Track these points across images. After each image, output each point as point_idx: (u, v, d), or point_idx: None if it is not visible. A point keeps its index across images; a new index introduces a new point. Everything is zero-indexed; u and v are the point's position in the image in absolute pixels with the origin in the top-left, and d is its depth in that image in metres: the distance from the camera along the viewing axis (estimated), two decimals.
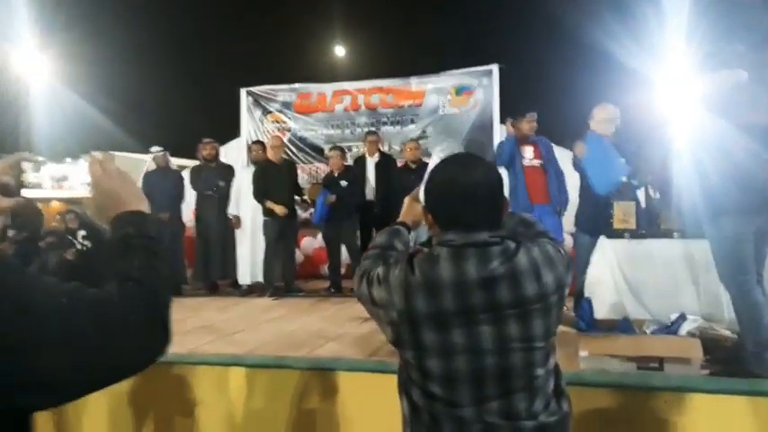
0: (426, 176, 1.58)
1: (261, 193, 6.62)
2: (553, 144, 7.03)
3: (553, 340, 1.48)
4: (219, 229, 6.95)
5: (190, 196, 7.27)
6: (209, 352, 4.03)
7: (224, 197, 6.96)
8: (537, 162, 5.29)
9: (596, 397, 2.81)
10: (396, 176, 6.61)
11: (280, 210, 6.53)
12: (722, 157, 2.93)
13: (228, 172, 7.13)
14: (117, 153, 12.91)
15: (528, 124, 5.33)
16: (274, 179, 6.62)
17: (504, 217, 1.53)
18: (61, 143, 13.27)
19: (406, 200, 1.79)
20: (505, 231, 1.49)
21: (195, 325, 5.12)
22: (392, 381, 1.62)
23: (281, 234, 6.62)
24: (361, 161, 7.01)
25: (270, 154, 6.81)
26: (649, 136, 4.76)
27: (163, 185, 6.94)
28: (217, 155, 7.20)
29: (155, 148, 7.18)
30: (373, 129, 7.72)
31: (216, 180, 6.99)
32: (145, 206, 1.12)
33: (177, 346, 4.21)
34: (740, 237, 3.01)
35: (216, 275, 7.04)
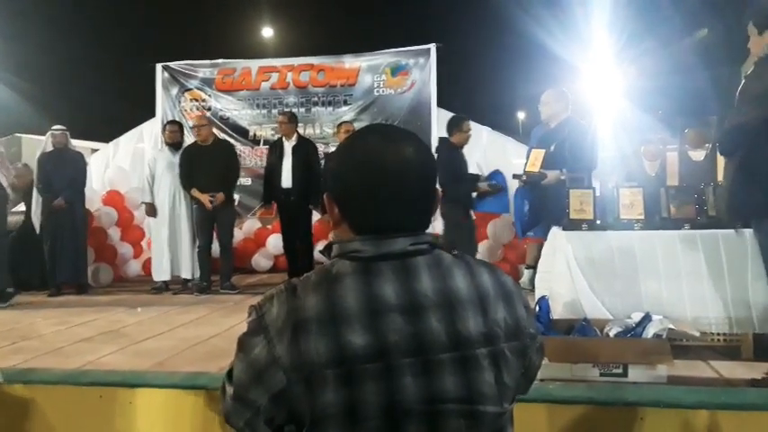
0: (333, 152, 1.13)
1: (186, 180, 6.11)
2: (486, 126, 6.84)
3: (510, 410, 1.04)
4: (69, 226, 6.22)
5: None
6: (108, 366, 3.49)
7: (75, 189, 6.26)
8: None
9: (563, 414, 2.45)
10: (317, 163, 6.22)
11: (204, 200, 6.01)
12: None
13: (78, 159, 6.44)
14: (24, 135, 11.87)
15: None
16: (203, 163, 6.06)
17: (434, 212, 1.08)
18: None
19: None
20: (432, 237, 1.04)
21: (100, 330, 4.49)
22: None
23: (212, 223, 6.15)
24: (277, 144, 6.43)
25: (198, 135, 6.30)
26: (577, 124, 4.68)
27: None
28: (67, 143, 6.43)
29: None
30: (287, 110, 7.11)
31: (65, 171, 6.25)
32: None
33: (69, 360, 3.65)
34: None
35: (64, 277, 6.26)
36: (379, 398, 0.94)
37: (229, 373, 1.04)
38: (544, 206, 4.62)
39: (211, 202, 5.99)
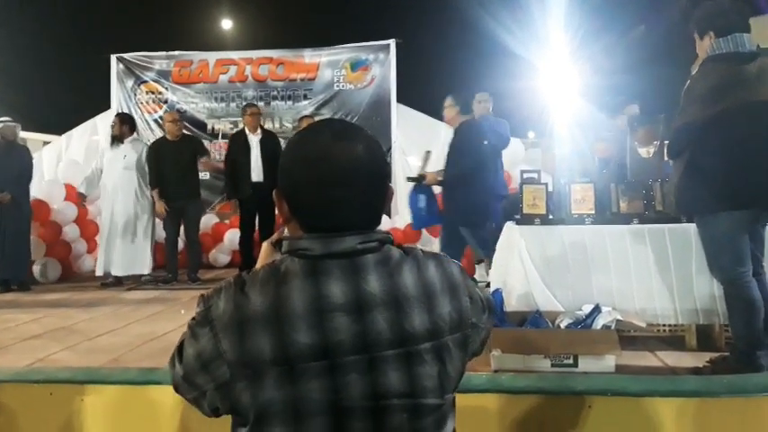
0: (284, 148, 1.12)
1: (153, 176, 6.09)
2: (443, 122, 6.94)
3: (452, 399, 1.07)
4: (14, 222, 6.05)
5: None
6: (60, 364, 3.41)
7: (21, 183, 6.11)
8: None
9: (514, 404, 2.51)
10: None
11: (160, 207, 6.07)
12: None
13: (24, 154, 6.27)
14: None
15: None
16: (171, 159, 6.07)
17: (385, 210, 1.10)
18: None
19: (264, 245, 1.26)
20: (382, 234, 1.05)
21: (50, 327, 4.38)
22: None
23: (179, 217, 6.19)
24: (240, 138, 6.32)
25: (166, 131, 6.34)
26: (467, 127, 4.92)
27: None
28: (16, 136, 6.27)
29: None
30: (252, 102, 7.02)
31: (11, 165, 6.08)
32: None
33: (18, 357, 3.56)
34: (735, 229, 2.90)
35: (7, 274, 6.09)
36: (324, 395, 0.96)
37: (180, 349, 1.05)
38: (435, 203, 5.14)
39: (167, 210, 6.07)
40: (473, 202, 4.72)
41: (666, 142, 3.22)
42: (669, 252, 3.52)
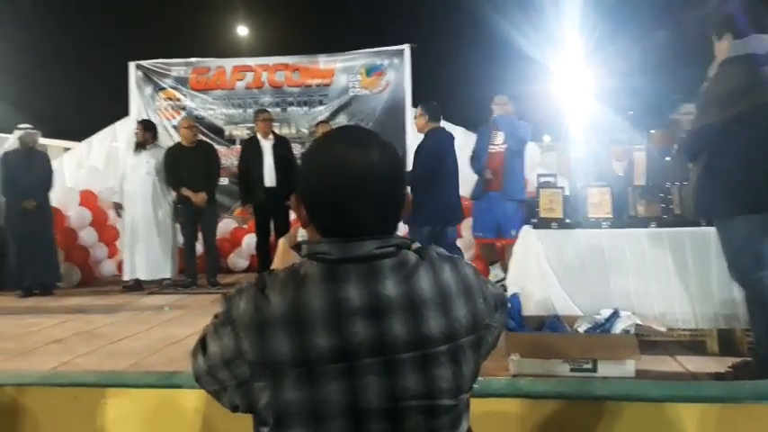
0: (303, 154, 1.14)
1: (173, 180, 6.23)
2: (460, 127, 6.93)
3: (466, 399, 1.09)
4: (38, 228, 6.16)
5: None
6: (83, 367, 3.46)
7: (42, 190, 6.21)
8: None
9: (534, 409, 2.51)
10: (295, 161, 6.22)
11: (198, 198, 6.14)
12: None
13: (45, 161, 6.41)
14: None
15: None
16: (187, 164, 6.16)
17: (403, 216, 1.11)
18: None
19: (281, 242, 1.30)
20: (399, 239, 1.07)
21: (73, 331, 4.45)
22: None
23: (195, 223, 6.30)
24: (252, 143, 6.36)
25: (181, 137, 6.45)
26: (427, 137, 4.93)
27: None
28: (35, 143, 6.41)
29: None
30: (264, 108, 7.06)
31: (33, 172, 6.20)
32: None
33: (42, 361, 3.62)
34: (754, 232, 2.86)
35: (35, 279, 6.19)
36: (343, 397, 0.98)
37: (203, 342, 1.07)
38: None
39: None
40: (429, 207, 4.63)
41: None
42: (688, 256, 3.50)
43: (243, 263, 7.43)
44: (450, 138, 5.03)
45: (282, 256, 1.27)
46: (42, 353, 3.87)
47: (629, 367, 3.03)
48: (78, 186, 7.39)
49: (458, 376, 1.03)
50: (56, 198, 6.58)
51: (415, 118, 5.25)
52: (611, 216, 3.73)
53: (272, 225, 6.21)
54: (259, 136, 6.31)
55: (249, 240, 7.16)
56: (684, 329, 3.53)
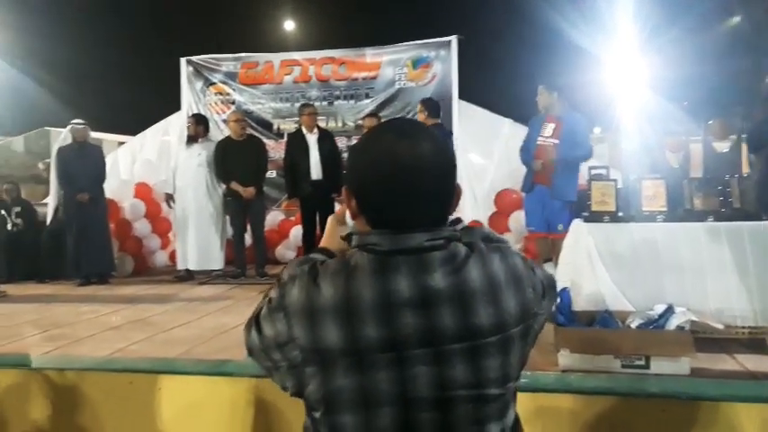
0: (352, 147, 1.14)
1: (223, 174, 6.37)
2: (508, 119, 6.80)
3: (513, 387, 1.08)
4: (94, 219, 6.38)
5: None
6: (137, 354, 3.56)
7: (96, 182, 6.43)
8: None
9: (583, 405, 2.46)
10: (340, 154, 6.27)
11: (247, 193, 6.26)
12: None
13: (98, 154, 6.65)
14: (52, 128, 12.12)
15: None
16: (236, 158, 6.27)
17: (453, 209, 1.10)
18: None
19: (330, 220, 1.30)
20: (450, 231, 1.06)
21: (128, 319, 4.60)
22: None
23: (244, 215, 6.40)
24: (297, 137, 6.42)
25: (230, 130, 6.56)
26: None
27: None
28: (87, 137, 6.62)
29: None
30: (309, 102, 7.09)
31: (86, 165, 6.41)
32: None
33: (98, 347, 3.76)
34: None
35: (92, 268, 6.40)
36: (392, 386, 0.99)
37: (257, 319, 1.09)
38: None
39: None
40: None
41: (745, 136, 3.08)
42: (748, 251, 3.37)
43: (290, 254, 7.52)
44: (449, 134, 5.20)
45: (332, 234, 1.28)
46: (99, 339, 4.00)
47: (683, 365, 2.94)
48: (133, 179, 7.63)
49: (505, 366, 1.03)
50: (111, 190, 6.82)
51: (416, 115, 5.38)
52: (665, 209, 3.62)
53: (317, 217, 6.26)
54: (304, 130, 6.35)
55: (296, 232, 7.23)
56: (743, 327, 3.41)
